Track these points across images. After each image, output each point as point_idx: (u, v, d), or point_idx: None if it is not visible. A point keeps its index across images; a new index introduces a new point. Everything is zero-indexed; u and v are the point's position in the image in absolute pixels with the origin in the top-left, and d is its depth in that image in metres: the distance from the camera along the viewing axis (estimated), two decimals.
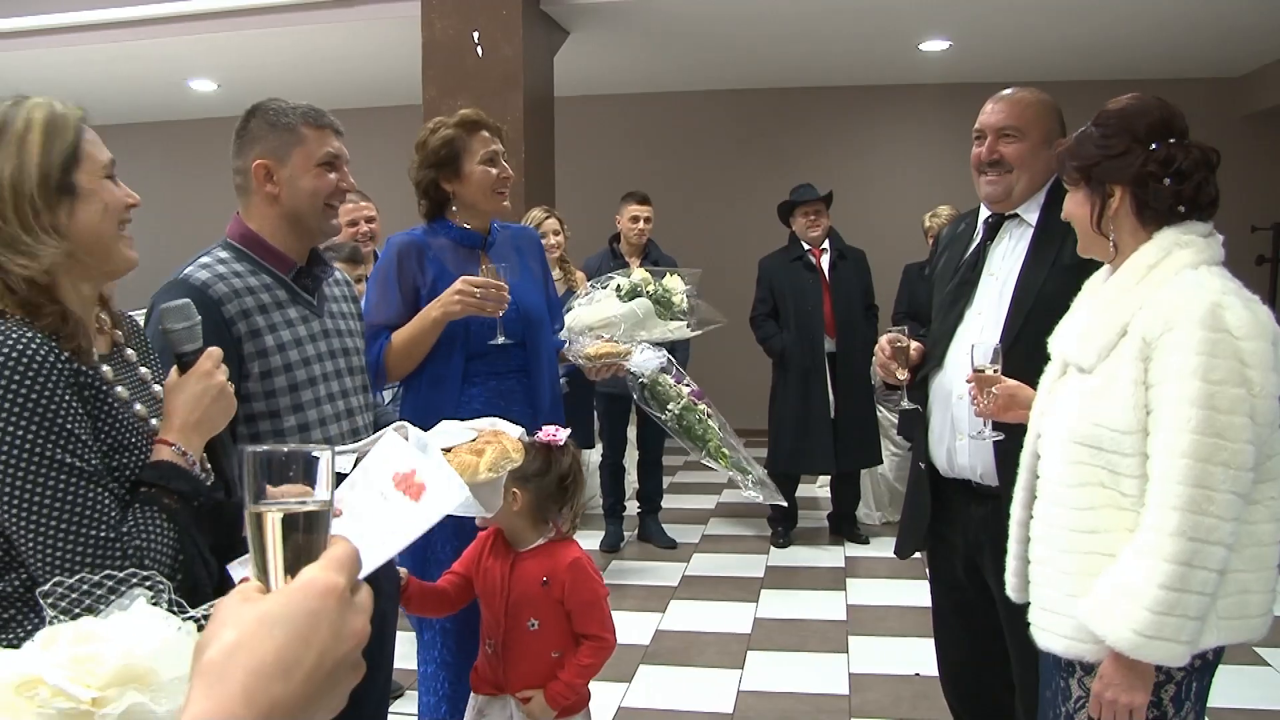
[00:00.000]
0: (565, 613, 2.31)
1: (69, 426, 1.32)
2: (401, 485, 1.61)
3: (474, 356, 2.72)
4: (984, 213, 2.47)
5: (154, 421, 1.50)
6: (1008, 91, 2.41)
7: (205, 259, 2.02)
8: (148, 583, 1.08)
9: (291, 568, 0.71)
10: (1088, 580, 1.76)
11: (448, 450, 1.65)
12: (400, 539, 1.52)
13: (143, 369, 1.56)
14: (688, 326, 3.38)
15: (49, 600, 1.06)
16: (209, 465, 1.56)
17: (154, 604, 1.06)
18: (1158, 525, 1.67)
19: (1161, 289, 1.75)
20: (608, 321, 3.19)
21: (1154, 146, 1.81)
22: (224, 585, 1.59)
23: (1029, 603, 1.95)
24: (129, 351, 1.55)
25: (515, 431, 1.76)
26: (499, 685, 2.35)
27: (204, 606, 1.08)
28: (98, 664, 0.95)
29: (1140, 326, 1.74)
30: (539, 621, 2.30)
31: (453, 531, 2.54)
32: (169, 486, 1.40)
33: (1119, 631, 1.69)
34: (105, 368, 1.45)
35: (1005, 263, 2.37)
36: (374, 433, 1.98)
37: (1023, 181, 2.34)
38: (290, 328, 2.02)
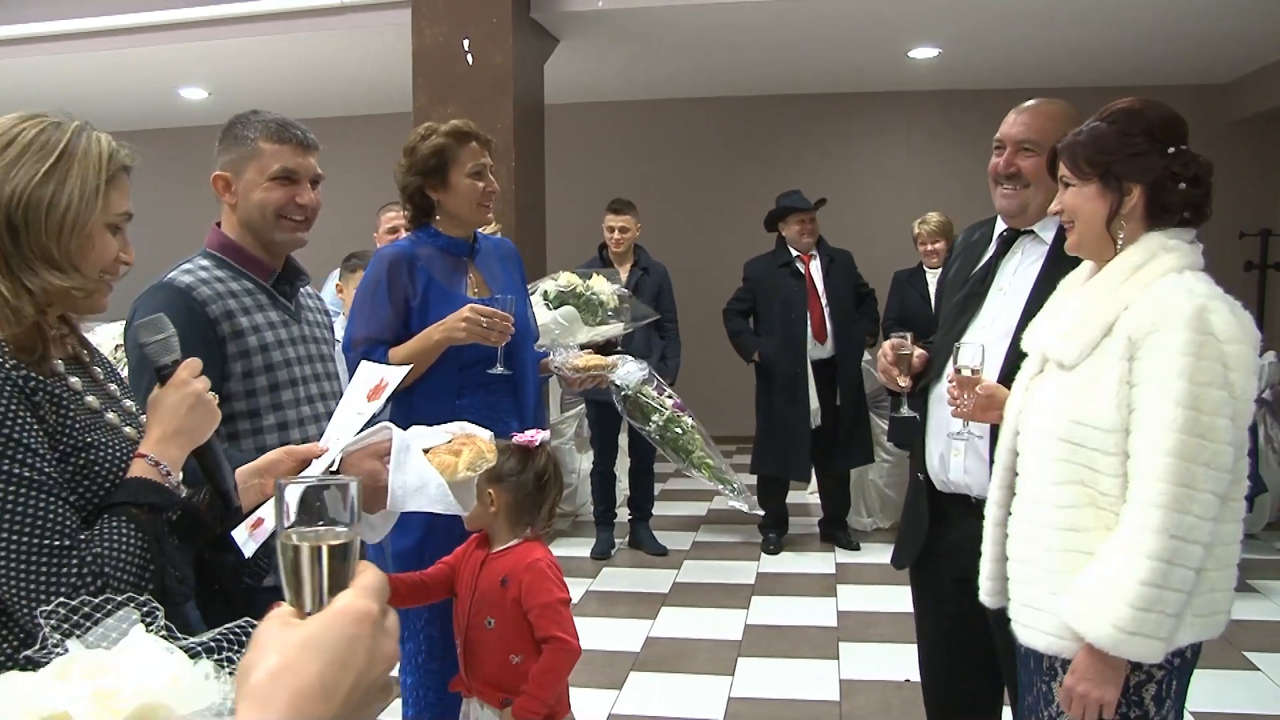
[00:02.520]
0: (523, 614, 2.30)
1: (18, 436, 1.30)
2: (373, 395, 1.70)
3: (465, 367, 2.74)
4: (999, 226, 2.40)
5: (128, 429, 1.48)
6: (1032, 102, 2.32)
7: (188, 265, 2.08)
8: (144, 607, 1.06)
9: (324, 594, 0.75)
10: (1068, 578, 1.77)
11: (427, 451, 1.69)
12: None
13: (111, 385, 1.54)
14: (620, 324, 3.39)
15: (51, 622, 1.04)
16: (197, 474, 1.52)
17: (150, 630, 1.05)
18: (1140, 522, 1.67)
19: (1147, 290, 1.76)
20: (539, 329, 3.19)
21: (1171, 150, 1.82)
22: (214, 590, 1.57)
23: (1003, 607, 1.95)
24: (95, 369, 1.53)
25: (486, 434, 1.81)
26: (469, 686, 2.37)
27: (205, 635, 1.06)
28: (118, 700, 0.95)
29: (1126, 326, 1.75)
30: (495, 620, 2.31)
31: (444, 536, 2.54)
32: (137, 502, 1.38)
33: (1100, 627, 1.70)
34: (74, 379, 1.44)
35: (1015, 278, 2.32)
36: None
37: (1039, 197, 2.23)
38: (272, 329, 2.10)
